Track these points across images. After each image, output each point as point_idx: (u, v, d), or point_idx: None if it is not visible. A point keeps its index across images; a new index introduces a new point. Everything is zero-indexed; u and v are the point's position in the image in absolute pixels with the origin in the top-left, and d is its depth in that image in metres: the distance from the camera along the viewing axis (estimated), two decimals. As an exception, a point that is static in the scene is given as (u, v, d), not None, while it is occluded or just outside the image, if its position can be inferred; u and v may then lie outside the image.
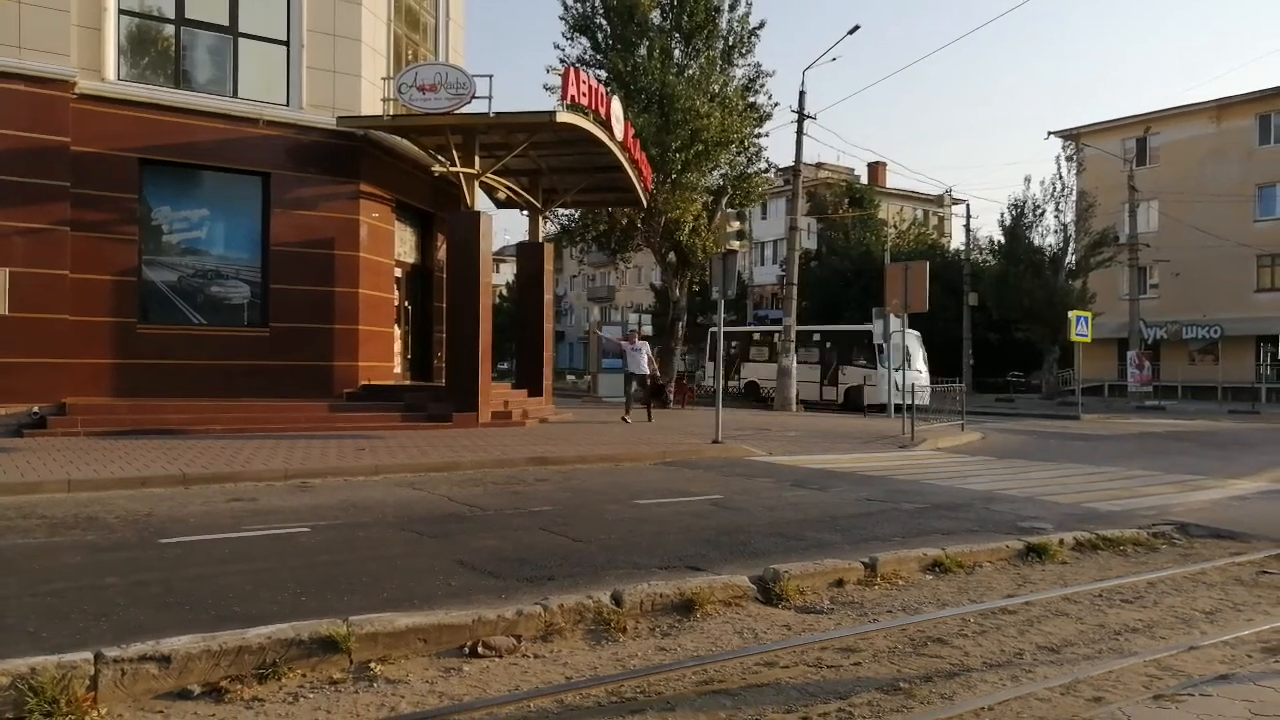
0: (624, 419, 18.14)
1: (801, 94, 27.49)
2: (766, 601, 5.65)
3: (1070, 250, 37.20)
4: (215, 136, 15.26)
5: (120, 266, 14.54)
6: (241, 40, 15.94)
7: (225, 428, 13.94)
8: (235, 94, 15.81)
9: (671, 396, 26.53)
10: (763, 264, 59.70)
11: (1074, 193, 37.81)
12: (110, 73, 14.58)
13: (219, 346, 15.34)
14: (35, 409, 13.25)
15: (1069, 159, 38.02)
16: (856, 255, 47.33)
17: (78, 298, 13.83)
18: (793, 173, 29.18)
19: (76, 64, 13.88)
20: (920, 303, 18.35)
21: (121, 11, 14.85)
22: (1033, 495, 10.23)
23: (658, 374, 19.19)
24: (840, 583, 6.09)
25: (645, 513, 8.59)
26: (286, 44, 16.19)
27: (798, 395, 26.95)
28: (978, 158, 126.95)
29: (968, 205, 55.55)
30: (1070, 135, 40.97)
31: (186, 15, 15.53)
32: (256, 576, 5.77)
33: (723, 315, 15.85)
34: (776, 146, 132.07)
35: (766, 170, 28.36)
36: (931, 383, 19.22)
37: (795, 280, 28.19)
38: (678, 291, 26.87)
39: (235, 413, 14.39)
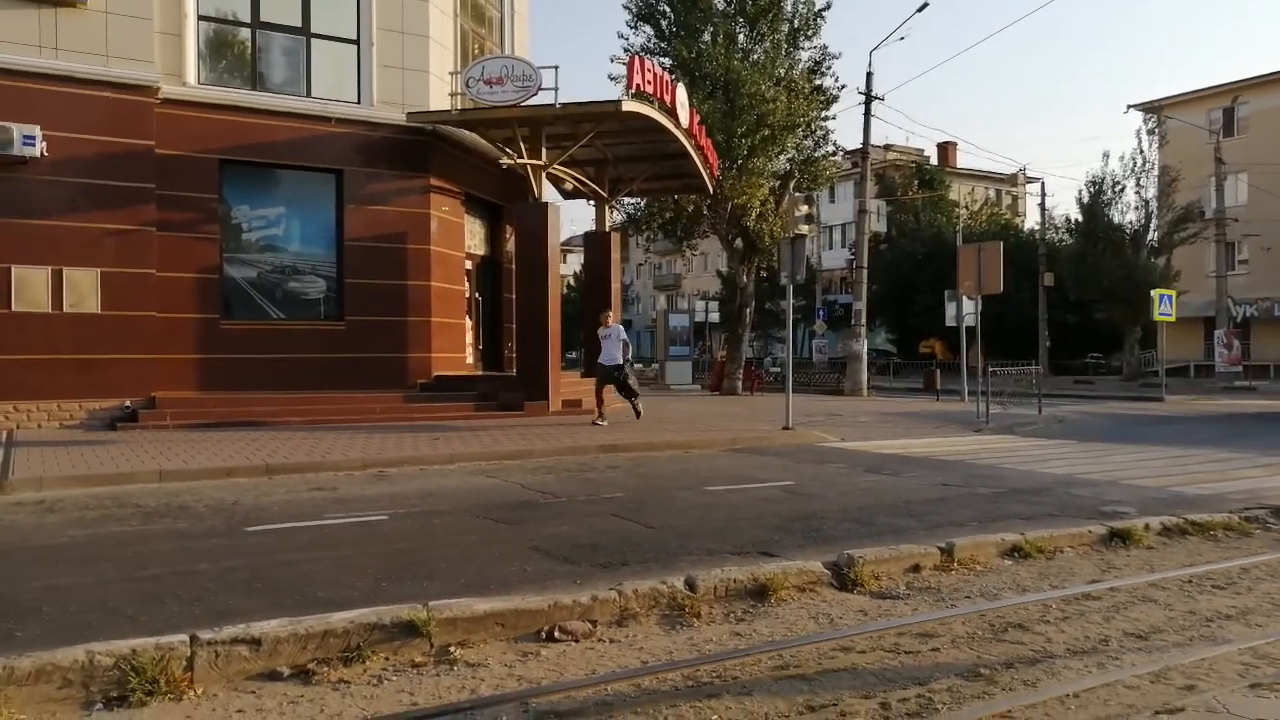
0: (595, 422, 14.60)
1: (869, 75, 27.11)
2: (841, 587, 5.61)
3: (1152, 227, 35.96)
4: (290, 136, 15.65)
5: (203, 264, 15.03)
6: (314, 40, 16.30)
7: (305, 419, 14.32)
8: (308, 93, 16.19)
9: (740, 384, 26.43)
10: (831, 248, 58.99)
11: (1155, 167, 36.51)
12: (191, 77, 15.04)
13: (297, 340, 15.75)
14: (127, 403, 13.79)
15: (1150, 132, 36.73)
16: (927, 237, 46.48)
17: (164, 295, 14.33)
18: (861, 155, 28.77)
19: (160, 70, 14.35)
20: (994, 284, 17.96)
21: (201, 17, 15.30)
22: (1115, 479, 9.94)
23: (631, 363, 15.54)
24: (916, 568, 6.01)
25: (716, 499, 8.59)
26: (357, 43, 16.50)
27: (869, 380, 26.61)
28: (1052, 135, 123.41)
29: (1042, 184, 54.33)
30: (1151, 108, 39.51)
31: (261, 18, 15.94)
32: (339, 563, 5.93)
33: (791, 300, 15.72)
34: (844, 129, 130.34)
35: (834, 153, 27.91)
36: (1007, 365, 18.73)
37: (865, 264, 27.83)
38: (745, 278, 26.69)
39: (314, 404, 14.77)
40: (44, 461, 10.01)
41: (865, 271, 27.90)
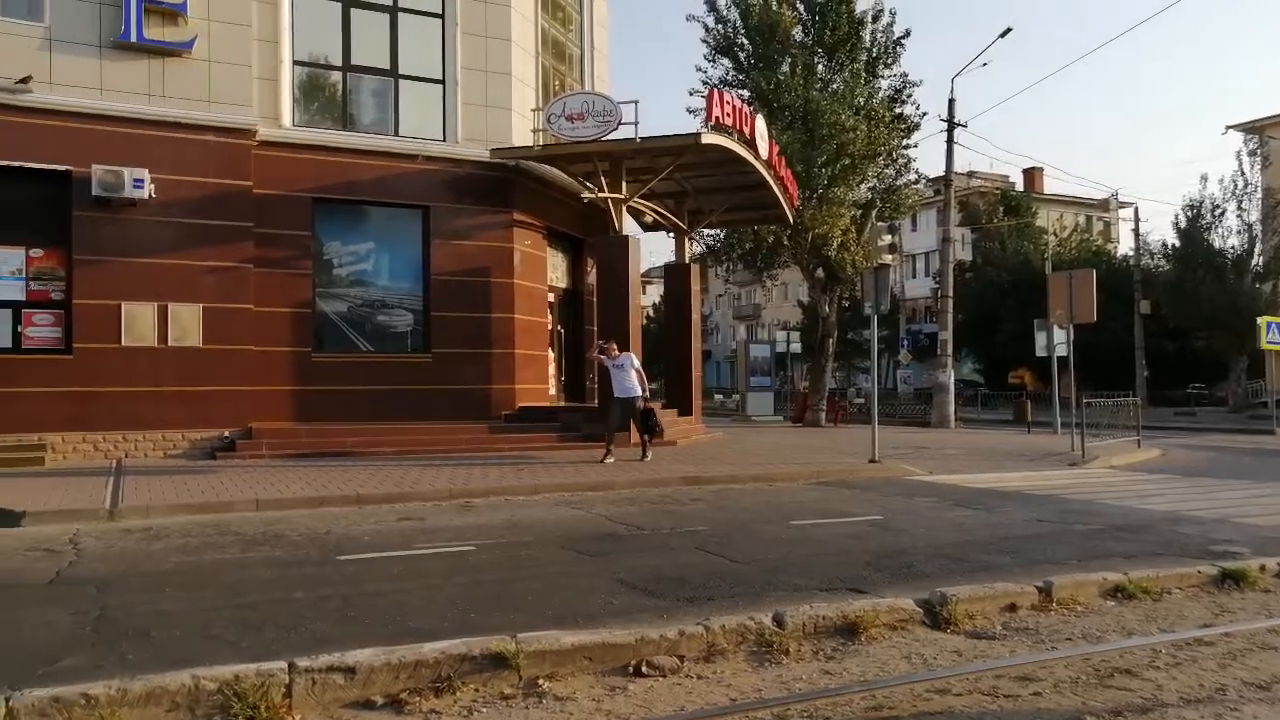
0: (604, 459, 13.40)
1: (951, 102, 26.78)
2: (934, 626, 5.45)
3: (1256, 251, 34.46)
4: (379, 174, 16.15)
5: (297, 299, 15.55)
6: (401, 81, 16.85)
7: (393, 450, 14.63)
8: (396, 132, 16.71)
9: (824, 415, 26.10)
10: (914, 276, 58.08)
11: (1258, 189, 35.04)
12: (286, 119, 15.67)
13: (386, 372, 16.14)
14: (225, 433, 14.30)
15: (1251, 154, 35.31)
16: (1014, 265, 45.38)
17: (260, 329, 14.86)
18: (944, 183, 28.35)
19: (258, 113, 14.99)
20: (1087, 313, 17.41)
21: (296, 62, 15.96)
22: (1224, 516, 9.47)
23: (649, 396, 14.37)
24: (1012, 607, 5.81)
25: (802, 533, 8.46)
26: (442, 82, 16.99)
27: (956, 411, 26.01)
28: (1146, 158, 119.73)
29: (1136, 208, 52.36)
30: (1252, 128, 38.00)
31: (352, 61, 16.54)
32: (428, 593, 6.01)
33: (876, 331, 15.50)
34: (926, 156, 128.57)
35: (916, 181, 27.59)
36: (1102, 396, 18.09)
37: (950, 293, 27.33)
38: (827, 308, 26.43)
39: (402, 435, 15.08)
40: (150, 489, 10.42)
41: (950, 300, 27.38)
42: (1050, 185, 56.45)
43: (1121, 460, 15.77)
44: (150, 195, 13.73)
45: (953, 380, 27.11)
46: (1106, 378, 31.38)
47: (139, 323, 13.82)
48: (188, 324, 14.13)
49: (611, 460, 13.35)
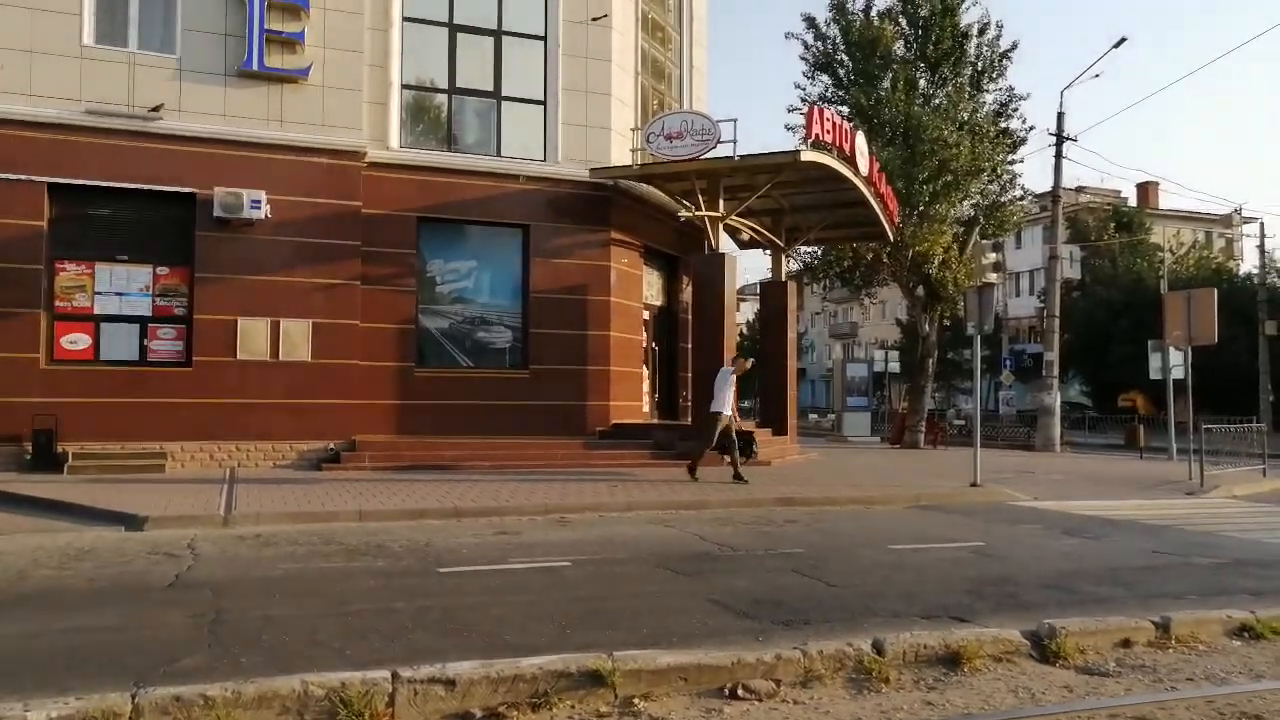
0: (692, 475, 13.50)
1: (1060, 115, 26.03)
2: (1041, 659, 5.25)
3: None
4: (481, 193, 16.53)
5: (401, 316, 16.01)
6: (504, 103, 17.23)
7: (491, 464, 14.89)
8: (499, 153, 17.08)
9: (922, 437, 25.49)
10: (1018, 295, 56.32)
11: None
12: (394, 141, 16.19)
13: (485, 387, 16.46)
14: (331, 445, 14.78)
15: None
16: (1126, 283, 43.63)
17: (366, 345, 15.34)
18: (1051, 198, 27.50)
19: (367, 136, 15.53)
20: (1207, 334, 16.58)
21: (404, 86, 16.49)
22: (1361, 553, 8.88)
23: (734, 414, 14.11)
24: (1127, 643, 5.55)
25: (901, 558, 8.27)
26: (544, 103, 17.31)
27: (1062, 434, 25.08)
28: (1271, 172, 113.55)
29: (1261, 224, 49.80)
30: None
31: (457, 84, 17.01)
32: (524, 608, 6.09)
33: (978, 351, 15.08)
34: (1032, 172, 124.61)
35: (1021, 198, 26.79)
36: (1222, 421, 17.18)
37: (1056, 312, 26.43)
38: (927, 327, 25.84)
39: (499, 450, 15.34)
40: (260, 498, 10.85)
41: (1057, 320, 26.44)
42: (1166, 200, 54.13)
43: (1245, 490, 14.93)
44: (266, 215, 14.34)
45: (1058, 403, 26.16)
46: (1226, 402, 29.86)
47: (253, 337, 14.43)
48: (298, 339, 14.68)
49: (699, 478, 13.48)
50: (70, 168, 13.63)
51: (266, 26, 14.44)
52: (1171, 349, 20.23)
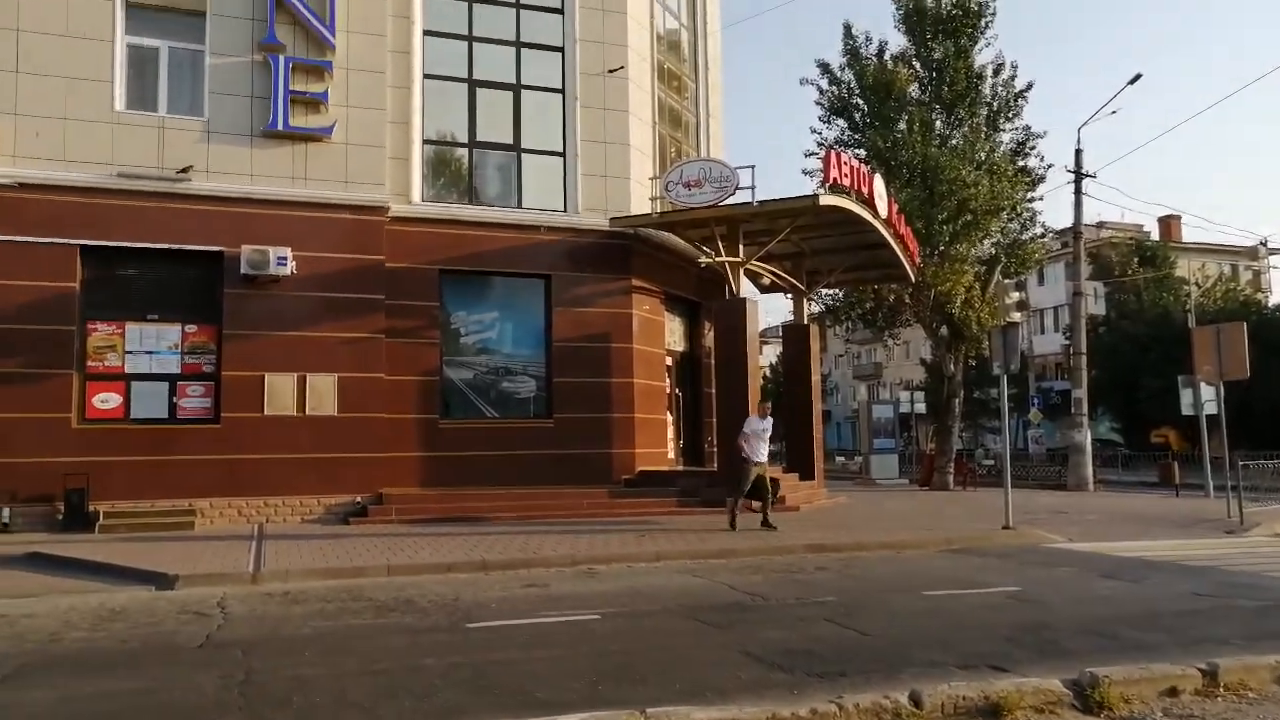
0: (731, 525, 13.26)
1: (1078, 152, 26.06)
2: (1084, 710, 5.12)
3: None
4: (503, 245, 16.69)
5: (425, 367, 16.10)
6: (524, 155, 17.47)
7: (517, 514, 14.84)
8: (519, 204, 17.28)
9: (951, 478, 25.19)
10: (1043, 332, 55.91)
11: None
12: (416, 195, 16.42)
13: (509, 438, 16.46)
14: (358, 498, 14.80)
15: None
16: (1152, 318, 43.20)
17: (391, 398, 15.41)
18: (1073, 235, 27.43)
19: (390, 191, 15.76)
20: (1238, 368, 16.37)
21: (425, 141, 16.76)
22: None
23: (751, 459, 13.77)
24: (1173, 691, 5.39)
25: (936, 604, 8.13)
26: (563, 155, 17.53)
27: (1094, 473, 24.71)
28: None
29: (1287, 254, 49.17)
30: None
31: (478, 138, 17.27)
32: (554, 663, 6.02)
33: (1005, 391, 14.94)
34: (1052, 208, 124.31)
35: (1042, 235, 26.72)
36: (1259, 457, 16.88)
37: (1083, 349, 26.18)
38: (952, 366, 25.65)
39: (525, 500, 15.30)
40: (289, 554, 10.85)
41: (1084, 357, 26.18)
42: (1189, 234, 53.85)
43: (1286, 527, 14.61)
44: (292, 271, 14.53)
45: (1089, 440, 25.80)
46: (1262, 436, 29.35)
47: (280, 393, 14.54)
48: (324, 393, 14.78)
49: (737, 528, 13.20)
50: (102, 230, 13.91)
51: (291, 88, 14.77)
52: (1203, 384, 19.96)
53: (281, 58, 14.71)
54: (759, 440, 13.68)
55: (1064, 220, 26.61)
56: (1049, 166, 25.65)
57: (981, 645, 6.46)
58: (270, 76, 14.70)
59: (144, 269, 14.42)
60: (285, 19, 14.82)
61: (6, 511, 13.04)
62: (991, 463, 34.02)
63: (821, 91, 26.12)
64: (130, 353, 14.25)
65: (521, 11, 17.57)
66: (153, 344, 14.38)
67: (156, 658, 6.39)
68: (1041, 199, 35.72)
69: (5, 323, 13.40)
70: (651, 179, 17.89)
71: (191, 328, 14.57)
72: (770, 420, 14.03)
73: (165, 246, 14.26)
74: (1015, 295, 15.31)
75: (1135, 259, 48.30)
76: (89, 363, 14.00)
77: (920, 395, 37.67)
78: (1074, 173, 25.97)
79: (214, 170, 14.46)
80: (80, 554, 10.88)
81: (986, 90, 25.06)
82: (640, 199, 17.69)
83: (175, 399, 14.41)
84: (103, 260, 14.11)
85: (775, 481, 14.82)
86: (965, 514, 16.53)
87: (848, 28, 25.79)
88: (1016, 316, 15.13)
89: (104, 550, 11.09)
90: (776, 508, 15.05)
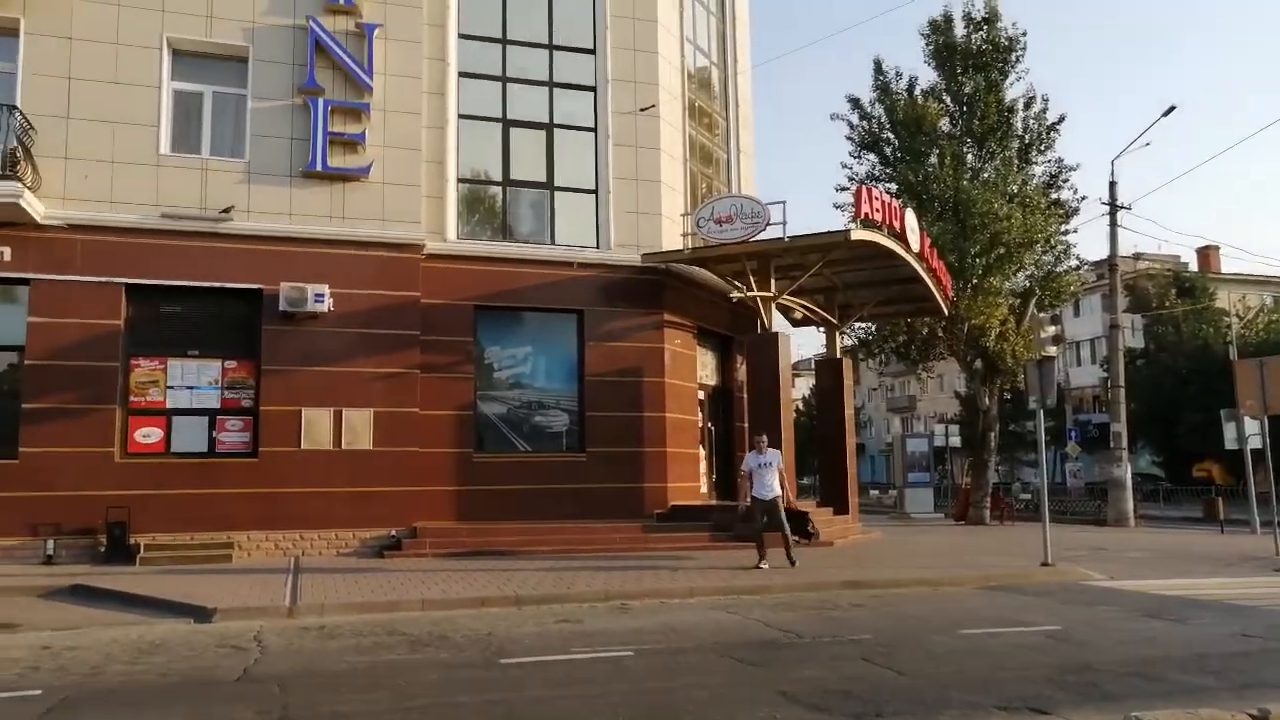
0: (759, 565, 12.87)
1: (1112, 184, 25.92)
2: (1130, 754, 5.02)
3: None
4: (536, 281, 16.86)
5: (459, 402, 16.23)
6: (557, 193, 17.68)
7: (550, 549, 14.84)
8: (552, 241, 17.46)
9: (988, 513, 24.86)
10: (1079, 364, 55.21)
11: None
12: (451, 233, 16.65)
13: (542, 472, 16.51)
14: (393, 532, 14.89)
15: None
16: (1191, 350, 42.53)
17: (426, 432, 15.54)
18: (1108, 267, 27.22)
19: (425, 228, 16.00)
20: (1283, 402, 16.05)
21: (460, 180, 17.03)
22: None
23: (792, 498, 13.91)
24: (1222, 736, 5.28)
25: (974, 644, 8.01)
26: (595, 192, 17.72)
27: (1135, 508, 24.26)
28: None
29: (1331, 284, 48.30)
30: None
31: (511, 177, 17.52)
32: (589, 701, 6.00)
33: (1042, 425, 14.78)
34: (1087, 240, 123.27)
35: (1077, 267, 26.51)
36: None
37: (1121, 382, 25.84)
38: (987, 400, 25.42)
39: (558, 534, 15.31)
40: (324, 588, 10.92)
41: (1122, 390, 25.83)
42: (1229, 264, 53.05)
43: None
44: (329, 308, 14.76)
45: (1129, 474, 25.38)
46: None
47: (317, 427, 14.72)
48: (360, 428, 14.94)
49: (765, 565, 12.84)
50: (146, 268, 14.24)
51: (330, 129, 15.10)
52: (1247, 417, 19.60)
53: (321, 100, 15.06)
54: (759, 477, 13.25)
55: (1099, 252, 26.48)
56: (1082, 199, 25.61)
57: (1022, 686, 6.36)
58: (310, 119, 15.04)
59: (186, 306, 14.72)
60: (325, 63, 15.19)
61: (51, 544, 13.26)
62: (1029, 497, 33.57)
63: (852, 126, 26.29)
64: (171, 388, 14.50)
65: (554, 53, 17.88)
66: (193, 379, 14.64)
67: (195, 692, 6.46)
68: (1075, 231, 35.46)
69: (53, 359, 13.72)
70: (683, 215, 18.03)
71: (231, 363, 14.82)
72: (772, 454, 13.48)
73: (207, 284, 14.56)
74: (1051, 330, 15.10)
75: (1173, 290, 47.66)
76: (132, 398, 14.27)
77: (955, 428, 37.35)
78: (1108, 204, 25.82)
79: (254, 210, 14.78)
80: (121, 586, 11.04)
81: (1018, 123, 25.08)
82: (672, 235, 17.81)
83: (215, 433, 14.62)
84: (146, 298, 14.43)
85: (803, 514, 14.55)
86: (1002, 550, 16.29)
87: (878, 64, 26.01)
88: (1052, 350, 14.94)
89: (144, 583, 11.24)
90: (813, 544, 14.96)
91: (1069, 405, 47.43)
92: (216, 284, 14.59)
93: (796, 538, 13.67)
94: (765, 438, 13.92)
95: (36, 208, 13.51)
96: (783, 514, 13.25)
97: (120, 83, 14.39)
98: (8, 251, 13.61)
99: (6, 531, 13.25)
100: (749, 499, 13.35)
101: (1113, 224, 25.86)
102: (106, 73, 14.33)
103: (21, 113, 13.60)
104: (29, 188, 13.32)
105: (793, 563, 13.01)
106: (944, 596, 11.20)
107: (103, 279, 14.02)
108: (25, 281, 13.78)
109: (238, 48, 15.06)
